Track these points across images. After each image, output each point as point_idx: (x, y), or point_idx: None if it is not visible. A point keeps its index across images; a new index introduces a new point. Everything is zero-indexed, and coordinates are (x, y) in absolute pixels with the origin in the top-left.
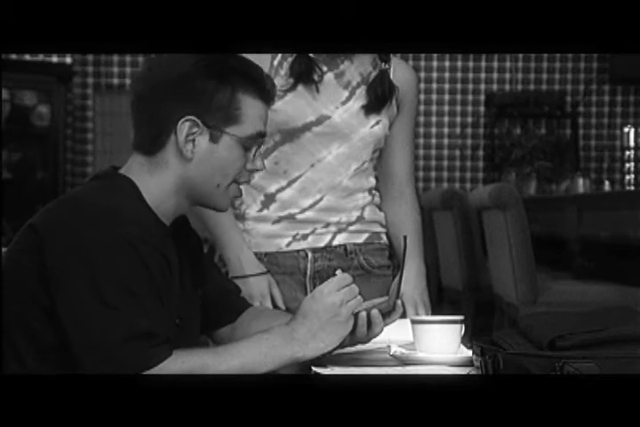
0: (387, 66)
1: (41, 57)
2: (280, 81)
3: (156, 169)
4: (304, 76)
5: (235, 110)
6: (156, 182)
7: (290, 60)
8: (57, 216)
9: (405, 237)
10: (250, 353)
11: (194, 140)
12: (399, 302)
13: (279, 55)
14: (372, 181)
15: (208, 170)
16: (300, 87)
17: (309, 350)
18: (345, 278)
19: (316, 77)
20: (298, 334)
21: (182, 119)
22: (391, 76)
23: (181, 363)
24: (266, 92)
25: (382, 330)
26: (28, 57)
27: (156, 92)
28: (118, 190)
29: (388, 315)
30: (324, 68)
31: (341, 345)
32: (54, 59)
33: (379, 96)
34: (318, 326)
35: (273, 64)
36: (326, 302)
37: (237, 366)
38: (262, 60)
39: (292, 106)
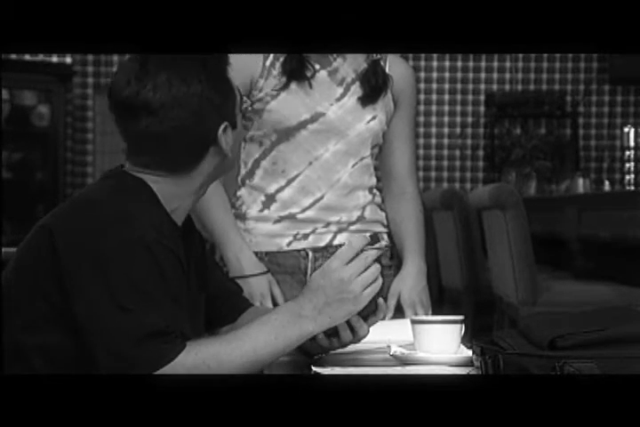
0: (378, 56)
1: (41, 57)
2: (273, 81)
3: (185, 180)
4: (296, 72)
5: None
6: (182, 190)
7: (282, 59)
8: (71, 218)
9: (371, 237)
10: (260, 336)
11: (226, 139)
12: (381, 300)
13: (271, 56)
14: (373, 179)
15: (236, 149)
16: (294, 85)
17: (317, 325)
18: (353, 249)
19: (308, 74)
20: (305, 311)
21: (220, 130)
22: (387, 70)
23: (195, 355)
24: None
25: (368, 331)
26: (28, 57)
27: (182, 126)
28: (132, 192)
29: (373, 314)
30: (317, 66)
31: (332, 347)
32: (54, 59)
33: (373, 86)
34: (325, 301)
35: (265, 65)
36: (333, 277)
37: (249, 350)
38: (255, 62)
39: (286, 105)
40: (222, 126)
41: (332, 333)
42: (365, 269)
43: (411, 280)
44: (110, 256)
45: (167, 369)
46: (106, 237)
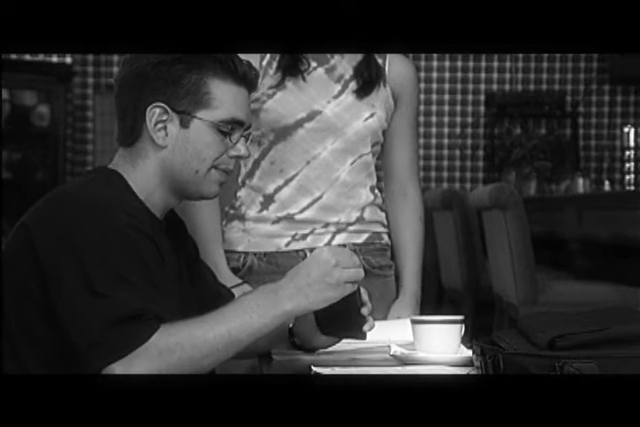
0: None
1: (41, 57)
2: (270, 80)
3: (137, 160)
4: (291, 68)
5: (204, 95)
6: (140, 173)
7: (278, 58)
8: (45, 211)
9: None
10: (235, 316)
11: (165, 128)
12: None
13: (268, 55)
14: (374, 177)
15: (183, 156)
16: (289, 84)
17: (294, 304)
18: (350, 249)
19: (302, 69)
20: (283, 289)
21: (150, 106)
22: (386, 69)
23: (168, 336)
24: (239, 76)
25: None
26: (28, 57)
27: (125, 84)
28: (105, 182)
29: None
30: (314, 64)
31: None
32: (54, 59)
33: (366, 79)
34: (306, 281)
35: (262, 64)
36: (320, 259)
37: (224, 331)
38: (252, 61)
39: (282, 103)
40: (153, 104)
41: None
42: (352, 267)
43: (410, 309)
44: (85, 244)
45: (140, 351)
46: (79, 225)
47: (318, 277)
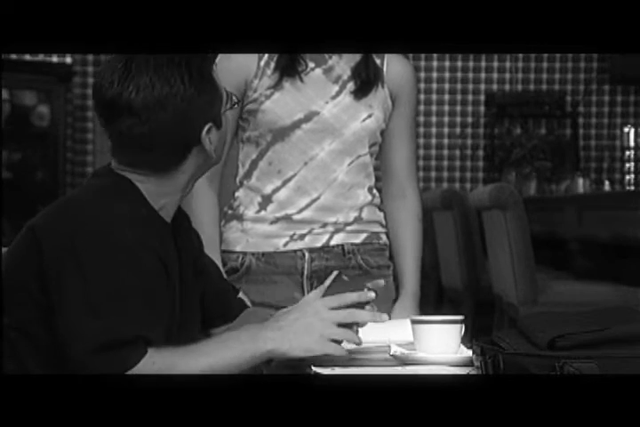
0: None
1: (41, 57)
2: (267, 81)
3: (170, 179)
4: (288, 68)
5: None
6: (168, 189)
7: (276, 58)
8: (55, 218)
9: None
10: (217, 352)
11: (210, 139)
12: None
13: (266, 56)
14: (372, 178)
15: (219, 151)
16: (287, 84)
17: (273, 346)
18: (352, 298)
19: (300, 69)
20: (266, 331)
21: (204, 132)
22: (385, 70)
23: (152, 364)
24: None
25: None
26: (28, 57)
27: (163, 126)
28: (117, 191)
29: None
30: (312, 65)
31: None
32: (54, 59)
33: (364, 80)
34: (291, 327)
35: (260, 65)
36: (311, 308)
37: (205, 364)
38: (250, 62)
39: (280, 104)
40: (206, 127)
41: None
42: (349, 325)
43: (410, 310)
44: (91, 258)
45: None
46: (88, 238)
47: (303, 326)
